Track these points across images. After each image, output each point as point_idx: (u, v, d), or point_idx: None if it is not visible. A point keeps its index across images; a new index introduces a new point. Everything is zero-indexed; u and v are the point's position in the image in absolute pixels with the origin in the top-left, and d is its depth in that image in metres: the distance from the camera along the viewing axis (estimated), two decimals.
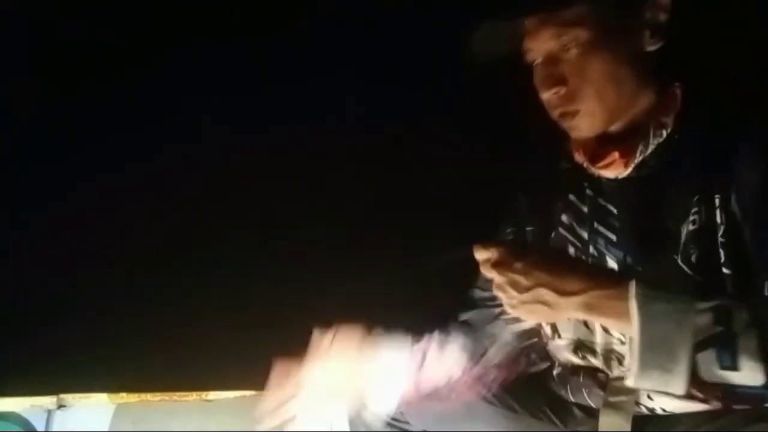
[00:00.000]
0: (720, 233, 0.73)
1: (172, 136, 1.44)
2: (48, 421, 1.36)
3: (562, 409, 0.96)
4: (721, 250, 0.73)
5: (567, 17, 0.78)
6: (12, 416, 1.32)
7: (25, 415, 1.34)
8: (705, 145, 0.77)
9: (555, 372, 0.98)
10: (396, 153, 1.40)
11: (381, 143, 1.41)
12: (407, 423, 1.03)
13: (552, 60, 0.81)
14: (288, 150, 1.45)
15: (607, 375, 0.89)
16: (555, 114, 0.84)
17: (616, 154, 0.82)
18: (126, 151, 1.45)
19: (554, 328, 0.94)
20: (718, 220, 0.73)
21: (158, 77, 1.42)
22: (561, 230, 0.92)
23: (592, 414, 0.91)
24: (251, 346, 1.42)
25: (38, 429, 1.35)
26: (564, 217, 0.92)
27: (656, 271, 0.79)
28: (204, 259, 1.48)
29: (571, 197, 0.91)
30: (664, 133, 0.80)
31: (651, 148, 0.81)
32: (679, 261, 0.76)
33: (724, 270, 0.73)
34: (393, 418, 1.03)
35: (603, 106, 0.81)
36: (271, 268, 1.44)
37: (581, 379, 0.92)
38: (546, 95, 0.83)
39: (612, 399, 0.86)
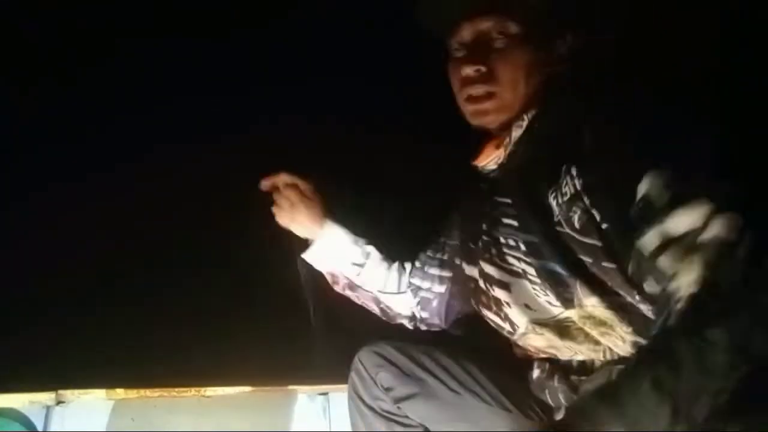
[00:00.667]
0: (585, 197, 0.78)
1: (172, 129, 1.44)
2: (47, 418, 1.36)
3: (548, 409, 0.97)
4: (593, 210, 0.78)
5: (508, 8, 0.89)
6: (11, 413, 1.31)
7: (24, 411, 1.34)
8: (560, 131, 0.84)
9: (534, 376, 0.98)
10: None
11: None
12: (405, 417, 1.05)
13: (481, 42, 0.90)
14: (286, 148, 1.46)
15: (578, 377, 0.90)
16: (465, 94, 0.93)
17: (490, 145, 0.96)
18: (122, 146, 1.45)
19: (510, 323, 0.95)
20: (578, 186, 0.79)
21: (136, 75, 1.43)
22: (483, 236, 0.98)
23: None
24: (250, 343, 1.43)
25: (37, 425, 1.34)
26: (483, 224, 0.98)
27: (552, 243, 0.83)
28: (203, 256, 1.49)
29: (477, 203, 1.01)
30: (524, 125, 0.90)
31: (515, 137, 0.91)
32: (566, 229, 0.81)
33: (603, 226, 0.77)
34: (389, 412, 1.04)
35: (513, 94, 0.90)
36: (271, 265, 1.44)
37: (556, 383, 0.92)
38: (467, 71, 0.91)
39: None
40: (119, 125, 1.46)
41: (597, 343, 0.85)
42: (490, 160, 0.96)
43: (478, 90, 0.91)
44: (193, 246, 1.47)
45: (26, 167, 1.41)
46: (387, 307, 1.19)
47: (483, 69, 0.90)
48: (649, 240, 0.67)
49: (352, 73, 1.52)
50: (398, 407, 1.05)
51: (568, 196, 0.80)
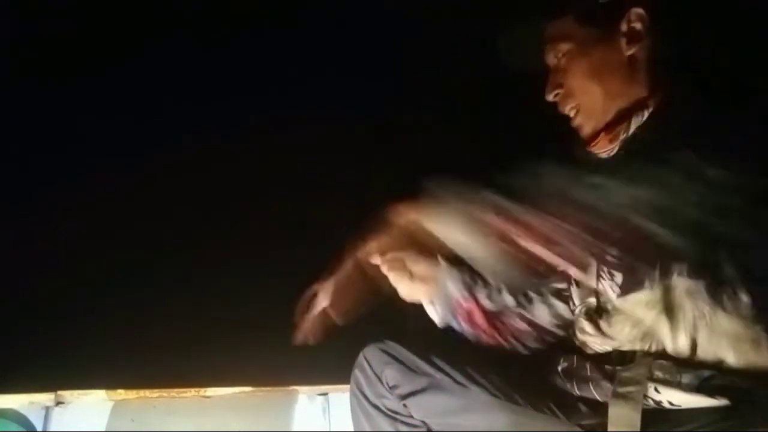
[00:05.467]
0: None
1: (171, 131, 1.44)
2: (46, 418, 1.36)
3: (566, 403, 0.97)
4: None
5: (554, 34, 1.01)
6: (10, 413, 1.31)
7: (24, 412, 1.34)
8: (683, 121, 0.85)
9: (560, 367, 0.99)
10: None
11: None
12: (410, 416, 1.04)
13: (554, 67, 1.02)
14: (283, 147, 1.46)
15: (614, 367, 0.90)
16: (565, 112, 1.02)
17: (602, 134, 0.97)
18: (121, 146, 1.45)
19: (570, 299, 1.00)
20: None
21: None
22: None
23: (597, 408, 0.92)
24: (250, 343, 1.42)
25: (36, 426, 1.34)
26: None
27: None
28: (203, 256, 1.49)
29: None
30: (646, 114, 0.93)
31: (633, 128, 0.94)
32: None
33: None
34: (394, 411, 1.04)
35: (591, 99, 0.97)
36: (270, 265, 1.44)
37: (588, 372, 0.93)
38: (550, 98, 1.03)
39: (621, 390, 0.87)
40: (120, 126, 1.46)
41: (645, 334, 0.87)
42: (604, 150, 0.99)
43: (565, 110, 1.02)
44: (193, 246, 1.47)
45: (27, 167, 1.41)
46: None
47: (560, 91, 1.02)
48: None
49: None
50: (404, 405, 1.04)
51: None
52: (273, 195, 1.48)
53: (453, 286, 1.12)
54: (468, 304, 1.12)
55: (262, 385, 1.48)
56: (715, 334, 0.81)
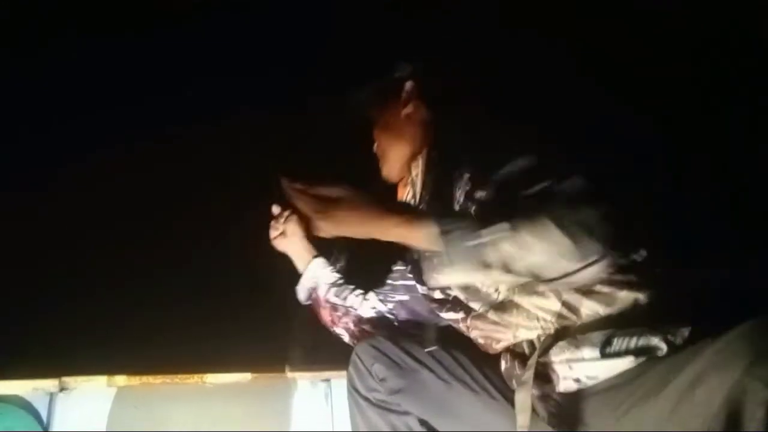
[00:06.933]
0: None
1: (167, 122, 1.44)
2: (50, 404, 1.37)
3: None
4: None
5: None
6: (14, 399, 1.33)
7: (28, 398, 1.35)
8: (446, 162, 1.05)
9: (502, 368, 1.02)
10: None
11: None
12: (398, 405, 1.06)
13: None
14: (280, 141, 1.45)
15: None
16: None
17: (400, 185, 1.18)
18: (122, 137, 1.45)
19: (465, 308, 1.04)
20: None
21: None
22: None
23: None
24: (252, 329, 1.43)
25: (41, 412, 1.36)
26: None
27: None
28: (204, 244, 1.49)
29: None
30: (421, 164, 1.13)
31: (414, 173, 1.14)
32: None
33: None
34: (383, 401, 1.06)
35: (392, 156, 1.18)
36: (272, 252, 1.44)
37: (518, 370, 0.96)
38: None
39: (523, 378, 0.92)
40: (116, 119, 1.46)
41: (529, 314, 0.94)
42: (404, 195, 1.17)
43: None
44: (193, 234, 1.47)
45: (28, 156, 1.42)
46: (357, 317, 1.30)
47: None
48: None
49: None
50: (393, 397, 1.06)
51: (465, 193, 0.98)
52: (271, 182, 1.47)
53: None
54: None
55: (264, 372, 1.48)
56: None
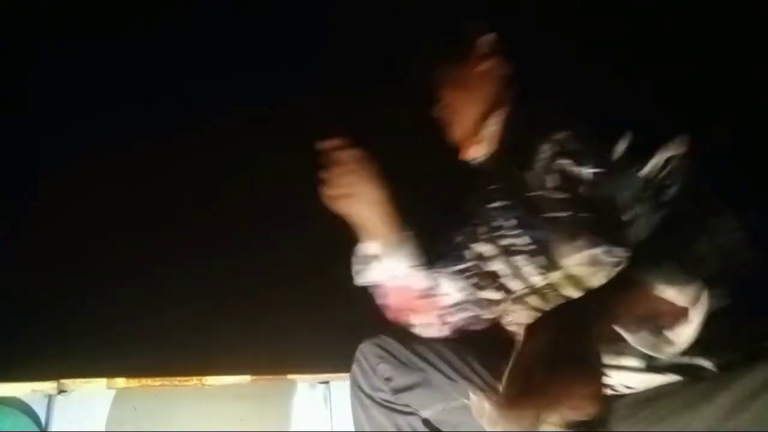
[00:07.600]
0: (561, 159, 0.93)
1: (174, 124, 1.44)
2: (49, 407, 1.37)
3: None
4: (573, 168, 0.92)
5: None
6: (13, 401, 1.32)
7: (26, 400, 1.34)
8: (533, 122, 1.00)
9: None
10: None
11: None
12: (404, 405, 1.06)
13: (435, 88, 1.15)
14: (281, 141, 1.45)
15: None
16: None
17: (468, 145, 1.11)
18: (121, 138, 1.45)
19: (505, 289, 1.03)
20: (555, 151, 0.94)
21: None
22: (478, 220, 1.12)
23: None
24: (251, 331, 1.43)
25: (39, 414, 1.35)
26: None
27: (530, 209, 0.98)
28: (203, 245, 1.48)
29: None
30: (498, 121, 1.07)
31: (491, 130, 1.08)
32: (541, 192, 0.95)
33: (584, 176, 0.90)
34: (387, 401, 1.06)
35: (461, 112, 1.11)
36: (271, 255, 1.44)
37: None
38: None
39: None
40: (119, 117, 1.45)
41: None
42: (470, 152, 1.12)
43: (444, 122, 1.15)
44: (193, 235, 1.47)
45: (30, 156, 1.41)
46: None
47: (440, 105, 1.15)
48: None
49: None
50: (398, 397, 1.06)
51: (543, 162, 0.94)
52: (273, 185, 1.47)
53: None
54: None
55: (263, 374, 1.48)
56: None
